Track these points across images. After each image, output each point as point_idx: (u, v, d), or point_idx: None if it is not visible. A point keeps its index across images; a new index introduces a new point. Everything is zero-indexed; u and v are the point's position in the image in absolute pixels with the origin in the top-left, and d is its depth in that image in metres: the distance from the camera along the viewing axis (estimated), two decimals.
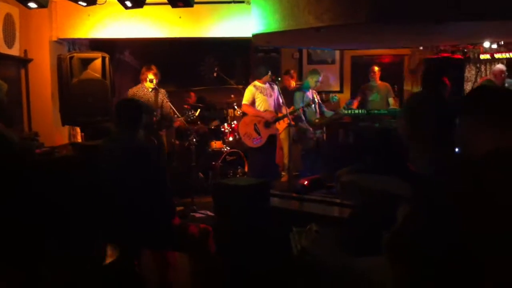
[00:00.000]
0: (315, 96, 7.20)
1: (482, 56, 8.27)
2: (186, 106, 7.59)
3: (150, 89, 6.26)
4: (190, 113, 6.47)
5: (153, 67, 6.27)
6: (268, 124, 6.44)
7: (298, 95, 7.07)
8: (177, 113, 6.40)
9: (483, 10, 4.70)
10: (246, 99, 6.51)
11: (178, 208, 5.59)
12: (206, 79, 8.85)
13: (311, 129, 7.06)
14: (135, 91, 6.28)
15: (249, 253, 3.55)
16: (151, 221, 3.33)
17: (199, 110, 7.10)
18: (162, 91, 6.38)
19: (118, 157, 3.42)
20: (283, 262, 3.14)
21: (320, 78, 7.27)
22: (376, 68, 7.88)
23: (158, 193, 3.43)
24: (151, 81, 6.18)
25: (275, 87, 6.60)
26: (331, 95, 7.19)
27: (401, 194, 2.63)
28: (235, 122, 7.42)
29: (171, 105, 6.33)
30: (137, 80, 6.53)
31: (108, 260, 2.63)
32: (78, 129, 6.67)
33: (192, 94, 8.54)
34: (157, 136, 6.18)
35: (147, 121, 3.80)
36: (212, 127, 7.80)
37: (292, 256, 2.87)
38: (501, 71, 7.03)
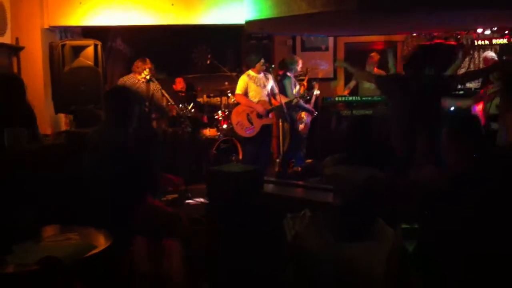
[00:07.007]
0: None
1: (476, 42, 8.27)
2: (181, 94, 7.55)
3: (142, 80, 6.23)
4: (183, 106, 6.44)
5: (148, 61, 6.24)
6: (260, 114, 6.37)
7: (287, 82, 6.97)
8: (171, 100, 6.37)
9: None
10: (239, 89, 6.40)
11: (172, 196, 5.59)
12: (199, 67, 8.80)
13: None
14: (125, 80, 6.26)
15: (243, 239, 3.57)
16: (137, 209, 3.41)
17: (192, 103, 7.05)
18: (157, 84, 6.29)
19: (102, 152, 3.48)
20: (277, 248, 3.17)
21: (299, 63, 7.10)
22: (376, 56, 7.74)
23: (144, 183, 3.52)
24: (145, 75, 6.14)
25: (270, 76, 6.48)
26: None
27: (384, 184, 2.69)
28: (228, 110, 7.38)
29: (165, 93, 6.30)
30: (129, 68, 6.50)
31: (100, 247, 2.64)
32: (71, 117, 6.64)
33: (179, 80, 8.10)
34: (149, 126, 6.16)
35: (139, 112, 3.78)
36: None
37: (285, 242, 2.90)
38: (492, 59, 7.02)
